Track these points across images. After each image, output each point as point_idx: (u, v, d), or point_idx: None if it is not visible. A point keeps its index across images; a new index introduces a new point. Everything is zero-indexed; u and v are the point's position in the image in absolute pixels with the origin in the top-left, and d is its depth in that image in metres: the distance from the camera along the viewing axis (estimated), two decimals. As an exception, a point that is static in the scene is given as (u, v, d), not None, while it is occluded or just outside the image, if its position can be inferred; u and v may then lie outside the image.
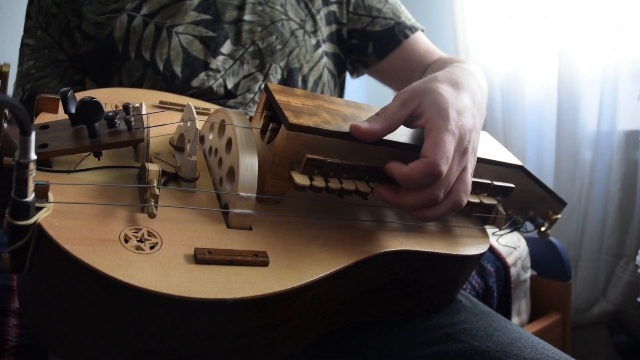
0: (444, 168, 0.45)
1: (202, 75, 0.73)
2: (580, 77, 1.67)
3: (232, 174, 0.47)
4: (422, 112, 0.48)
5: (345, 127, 0.48)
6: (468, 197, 0.50)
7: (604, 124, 1.64)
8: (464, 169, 0.49)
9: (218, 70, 0.74)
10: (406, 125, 0.50)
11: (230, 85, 0.75)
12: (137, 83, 0.73)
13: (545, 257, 1.61)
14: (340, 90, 0.89)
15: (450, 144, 0.46)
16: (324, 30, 0.83)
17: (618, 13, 1.56)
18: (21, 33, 0.79)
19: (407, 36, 0.84)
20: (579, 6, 1.64)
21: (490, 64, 1.92)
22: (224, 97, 0.75)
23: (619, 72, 1.59)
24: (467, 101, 0.51)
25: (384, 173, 0.49)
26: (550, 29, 1.73)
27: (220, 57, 0.74)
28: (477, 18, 1.94)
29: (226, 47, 0.75)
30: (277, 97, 0.49)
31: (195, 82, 0.73)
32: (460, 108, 0.49)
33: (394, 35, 0.83)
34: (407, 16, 0.86)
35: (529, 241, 1.61)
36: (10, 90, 0.44)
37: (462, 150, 0.48)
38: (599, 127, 1.66)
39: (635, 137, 1.59)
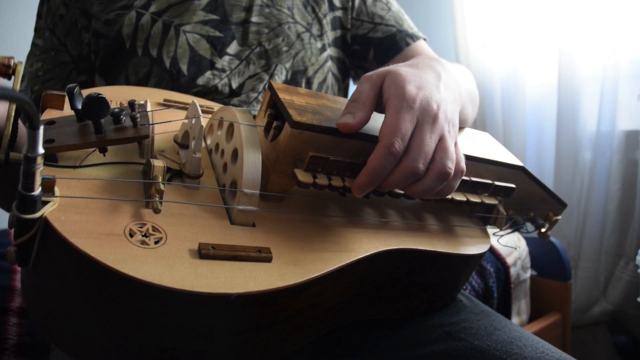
0: (399, 145, 0.44)
1: (208, 74, 0.74)
2: (580, 77, 1.68)
3: (235, 180, 0.47)
4: (384, 94, 0.48)
5: None
6: (454, 165, 0.48)
7: (604, 124, 1.65)
8: (442, 138, 0.48)
9: (224, 70, 0.74)
10: (377, 111, 0.49)
11: (235, 85, 0.75)
12: (144, 79, 0.73)
13: (545, 257, 1.61)
14: (344, 95, 0.89)
15: (404, 120, 0.45)
16: (330, 35, 0.83)
17: (618, 13, 1.56)
18: (21, 33, 0.79)
19: (408, 44, 0.83)
20: (579, 6, 1.64)
21: (490, 64, 1.92)
22: (229, 96, 0.75)
23: (619, 72, 1.60)
24: (429, 78, 0.50)
25: None
26: (550, 29, 1.74)
27: (227, 57, 0.75)
28: (477, 18, 1.94)
29: (232, 48, 0.75)
30: (281, 95, 0.49)
31: (200, 81, 0.73)
32: (421, 83, 0.48)
33: (396, 42, 0.83)
34: (410, 25, 0.86)
35: (529, 241, 1.61)
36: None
37: (431, 119, 0.47)
38: (599, 127, 1.66)
39: (635, 137, 1.59)
